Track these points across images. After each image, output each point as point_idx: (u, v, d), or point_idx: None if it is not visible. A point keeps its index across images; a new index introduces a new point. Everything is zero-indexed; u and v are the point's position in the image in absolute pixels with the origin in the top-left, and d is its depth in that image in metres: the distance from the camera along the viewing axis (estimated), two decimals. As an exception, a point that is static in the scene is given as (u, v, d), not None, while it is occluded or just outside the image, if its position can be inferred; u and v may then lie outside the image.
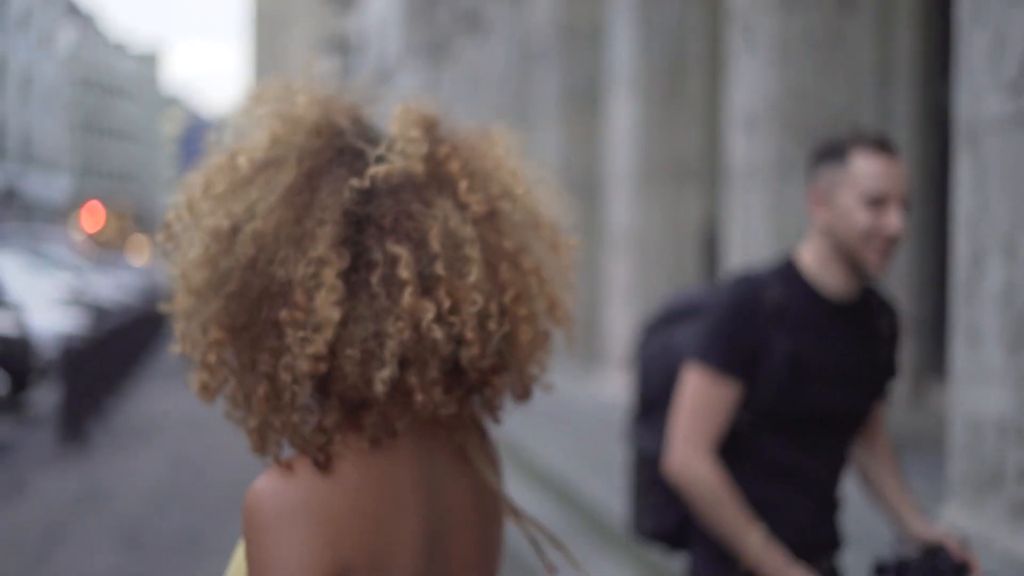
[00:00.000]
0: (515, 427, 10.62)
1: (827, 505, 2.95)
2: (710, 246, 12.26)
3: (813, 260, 2.89)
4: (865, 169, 2.75)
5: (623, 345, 12.46)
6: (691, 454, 2.77)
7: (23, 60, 68.69)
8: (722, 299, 2.86)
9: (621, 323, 12.55)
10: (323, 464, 1.59)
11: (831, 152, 2.81)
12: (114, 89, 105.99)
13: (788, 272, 2.90)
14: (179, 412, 14.22)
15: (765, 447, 2.83)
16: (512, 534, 7.08)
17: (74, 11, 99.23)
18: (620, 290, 12.57)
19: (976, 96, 5.83)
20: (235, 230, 1.59)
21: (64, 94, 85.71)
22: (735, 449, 2.85)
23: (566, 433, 10.41)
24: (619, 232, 12.65)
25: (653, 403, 3.06)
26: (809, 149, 8.49)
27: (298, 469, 1.58)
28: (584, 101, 15.35)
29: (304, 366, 1.55)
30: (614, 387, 12.63)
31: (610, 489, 8.03)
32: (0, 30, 63.81)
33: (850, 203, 2.77)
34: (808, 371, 2.80)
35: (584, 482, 8.28)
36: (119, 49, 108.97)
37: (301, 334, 1.55)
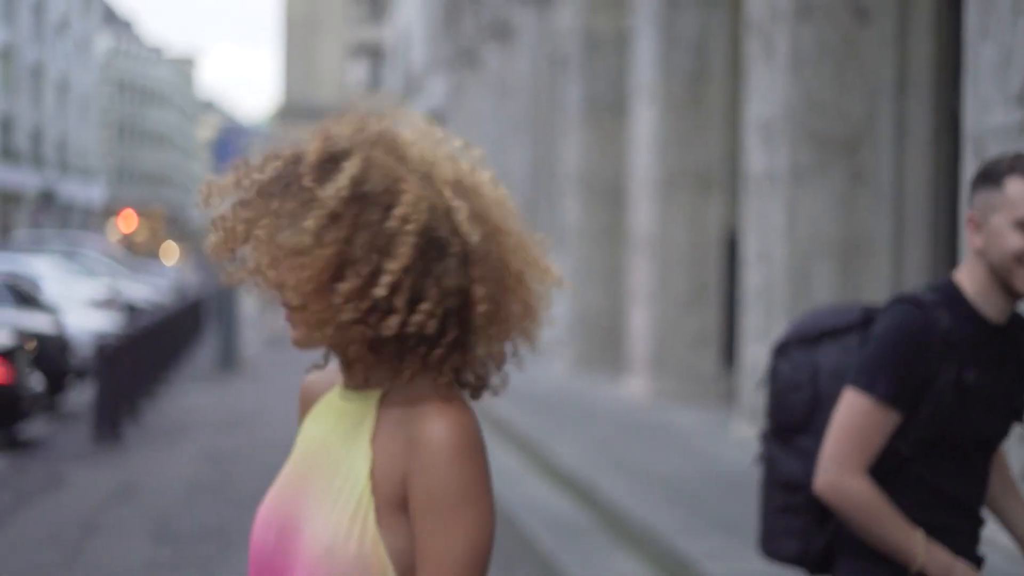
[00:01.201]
0: (536, 427, 10.86)
1: (979, 526, 2.95)
2: (731, 251, 12.45)
3: (972, 284, 2.86)
4: (1020, 193, 2.74)
5: (645, 348, 12.66)
6: (845, 473, 2.77)
7: (60, 66, 69.26)
8: (889, 324, 2.82)
9: (643, 326, 12.74)
10: (475, 399, 1.85)
11: (988, 176, 2.81)
12: (150, 94, 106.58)
13: (953, 296, 2.85)
14: (210, 410, 14.48)
15: (924, 473, 2.83)
16: (529, 524, 7.29)
17: (111, 17, 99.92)
18: (642, 294, 12.76)
19: (983, 106, 6.04)
20: None
21: (100, 99, 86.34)
22: (890, 476, 2.84)
23: (586, 433, 10.61)
24: (641, 237, 12.84)
25: (794, 427, 2.98)
26: (825, 156, 8.70)
27: (461, 403, 1.80)
28: (608, 108, 15.57)
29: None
30: (635, 388, 12.84)
31: (627, 487, 8.25)
32: (38, 37, 64.39)
33: (1003, 226, 2.76)
34: (972, 397, 2.80)
35: (603, 481, 8.48)
36: (155, 54, 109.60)
37: None
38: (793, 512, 3.01)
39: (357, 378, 1.84)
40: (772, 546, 3.11)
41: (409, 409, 1.79)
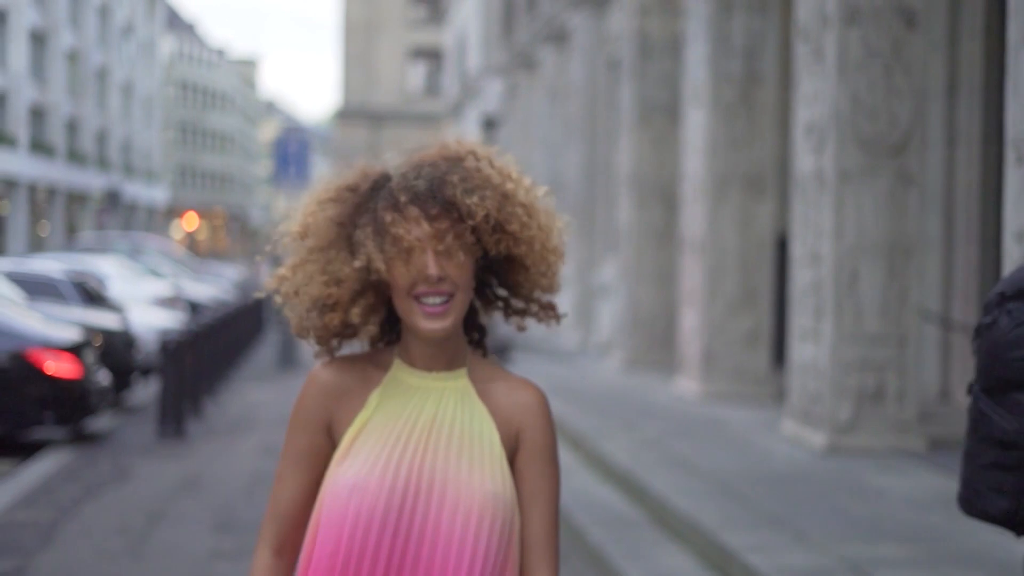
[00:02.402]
0: (588, 424, 11.05)
1: None
2: (782, 252, 12.57)
3: None
4: None
5: (696, 348, 12.79)
6: None
7: (125, 69, 70.15)
8: None
9: (694, 327, 12.87)
10: None
11: None
12: (212, 96, 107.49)
13: None
14: (270, 407, 14.73)
15: None
16: (580, 517, 7.55)
17: (175, 20, 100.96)
18: (693, 295, 12.90)
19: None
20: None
21: (163, 102, 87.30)
22: None
23: (637, 431, 10.77)
24: (692, 238, 12.98)
25: (1012, 383, 2.88)
26: (873, 158, 8.83)
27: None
28: (661, 111, 15.72)
29: None
30: (687, 388, 12.98)
31: (676, 483, 8.41)
32: (103, 41, 65.31)
33: None
34: None
35: (652, 476, 8.64)
36: (217, 56, 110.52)
37: None
38: (1005, 469, 2.88)
39: (442, 361, 2.28)
40: (978, 503, 2.96)
41: (496, 382, 2.31)
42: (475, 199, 2.21)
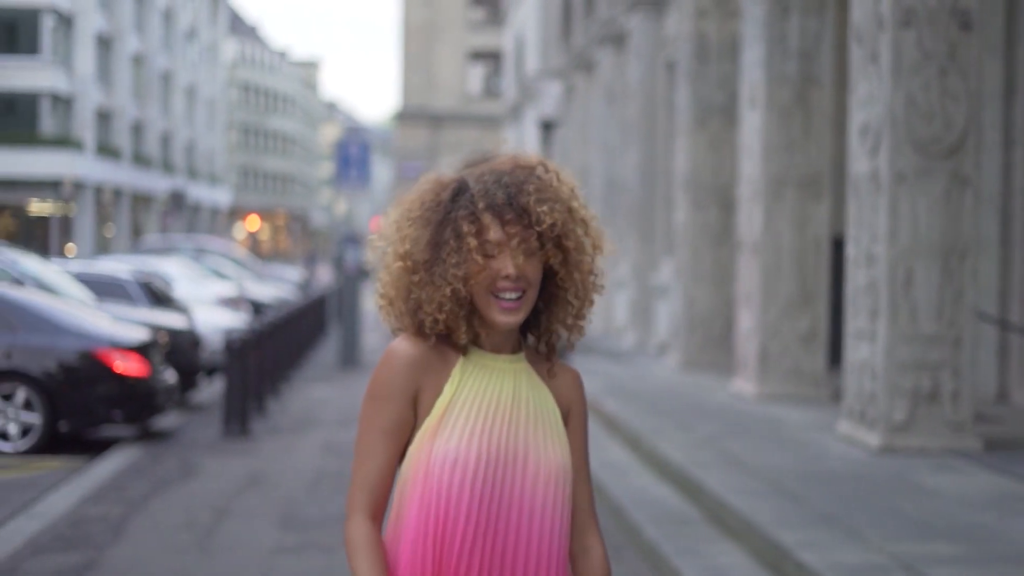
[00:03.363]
0: (644, 424, 11.16)
1: None
2: (838, 253, 12.61)
3: None
4: None
5: (753, 348, 12.86)
6: None
7: (188, 73, 70.92)
8: None
9: (750, 327, 12.93)
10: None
11: None
12: (274, 98, 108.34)
13: None
14: (332, 406, 14.94)
15: None
16: (635, 515, 7.71)
17: (237, 23, 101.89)
18: (751, 295, 12.96)
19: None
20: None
21: (226, 104, 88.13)
22: None
23: (693, 430, 10.87)
24: (748, 240, 13.04)
25: None
26: (928, 160, 8.89)
27: None
28: (718, 112, 15.79)
29: None
30: (743, 388, 13.04)
31: (730, 481, 8.52)
32: (167, 46, 66.12)
33: None
34: None
35: (706, 475, 8.75)
36: (279, 58, 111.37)
37: None
38: None
39: (508, 346, 2.56)
40: None
41: (543, 365, 2.61)
42: (545, 208, 2.48)
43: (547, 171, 2.55)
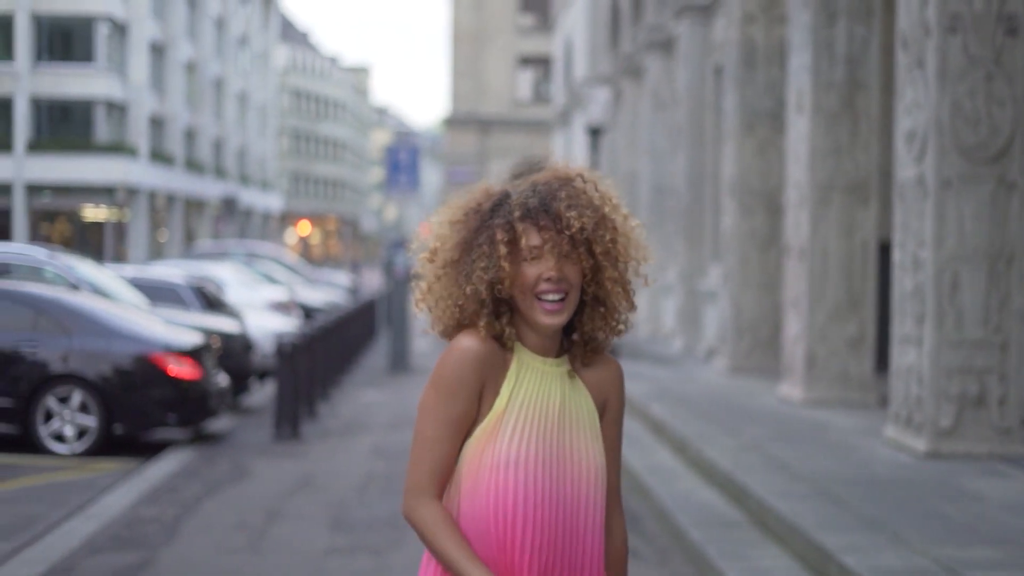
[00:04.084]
0: (691, 429, 11.21)
1: None
2: (886, 258, 12.60)
3: None
4: None
5: (800, 353, 12.87)
6: None
7: (240, 79, 71.50)
8: None
9: (797, 332, 12.94)
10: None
11: None
12: (325, 103, 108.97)
13: None
14: (382, 410, 15.07)
15: None
16: (681, 518, 7.77)
17: (289, 29, 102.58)
18: (798, 300, 12.98)
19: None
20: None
21: (278, 110, 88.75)
22: None
23: (739, 435, 10.91)
24: (795, 245, 13.06)
25: None
26: (974, 165, 8.90)
27: None
28: (767, 118, 15.81)
29: None
30: (790, 393, 13.06)
31: (776, 485, 8.56)
32: (220, 52, 66.73)
33: None
34: None
35: (752, 479, 8.80)
36: (330, 63, 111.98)
37: None
38: None
39: (554, 349, 2.71)
40: None
41: (586, 367, 2.75)
42: (574, 213, 2.63)
43: (584, 181, 2.70)
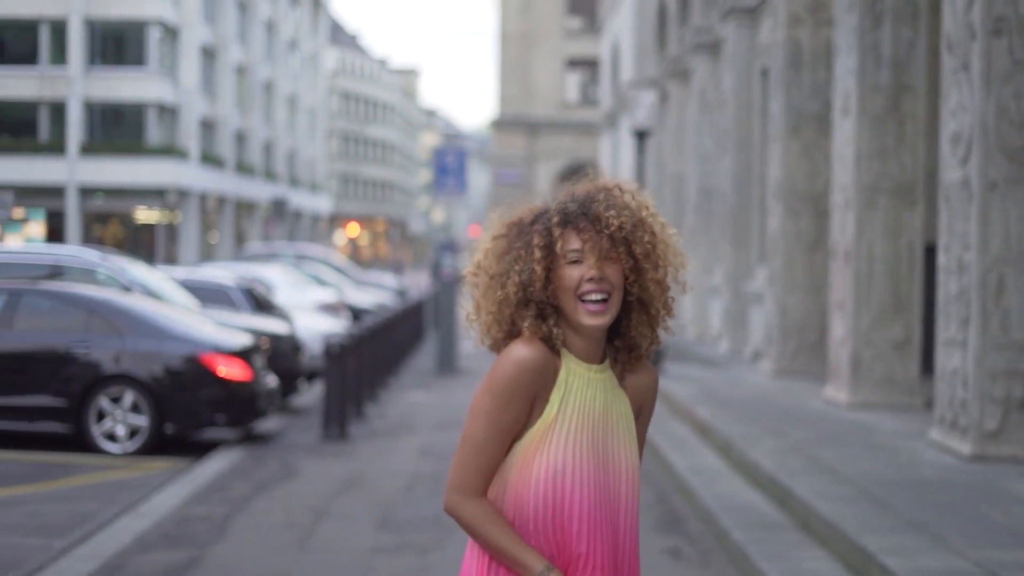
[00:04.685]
0: (736, 431, 11.24)
1: None
2: (932, 261, 12.56)
3: None
4: None
5: (845, 356, 12.86)
6: None
7: (290, 82, 71.96)
8: None
9: (843, 335, 12.93)
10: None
11: None
12: (374, 105, 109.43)
13: None
14: (429, 411, 15.17)
15: None
16: (724, 520, 7.82)
17: (338, 31, 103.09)
18: (843, 303, 12.97)
19: None
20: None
21: (327, 113, 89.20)
22: None
23: (784, 437, 10.92)
24: (841, 247, 13.05)
25: None
26: (1019, 168, 8.89)
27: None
28: (813, 120, 15.79)
29: None
30: (836, 396, 13.05)
31: (819, 488, 8.59)
32: (269, 56, 67.21)
33: None
34: None
35: (796, 481, 8.82)
36: (380, 66, 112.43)
37: None
38: None
39: (598, 355, 2.80)
40: None
41: (624, 373, 2.86)
42: (612, 212, 2.74)
43: (621, 191, 2.81)
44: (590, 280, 2.71)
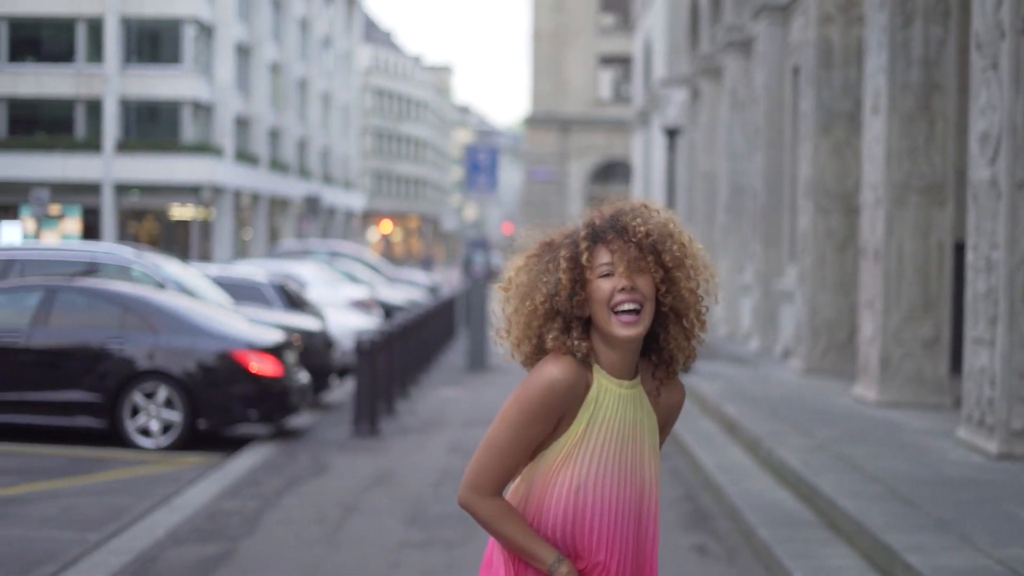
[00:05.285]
0: (764, 428, 11.27)
1: None
2: (961, 260, 12.55)
3: None
4: None
5: (875, 354, 12.86)
6: None
7: (324, 80, 72.21)
8: None
9: (872, 333, 12.93)
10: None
11: None
12: (407, 102, 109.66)
13: None
14: (459, 407, 15.26)
15: None
16: (750, 516, 7.88)
17: (372, 29, 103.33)
18: (873, 302, 12.97)
19: None
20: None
21: (360, 110, 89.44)
22: None
23: (811, 435, 10.95)
24: (870, 245, 13.05)
25: None
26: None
27: None
28: (843, 119, 15.78)
29: None
30: (865, 394, 13.06)
31: (845, 485, 8.62)
32: (303, 54, 67.48)
33: None
34: None
35: (822, 478, 8.86)
36: (414, 63, 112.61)
37: None
38: None
39: (629, 371, 2.88)
40: None
41: (654, 383, 2.96)
42: (639, 221, 2.84)
43: (648, 207, 2.91)
44: (622, 290, 2.79)
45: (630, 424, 2.90)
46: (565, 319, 2.84)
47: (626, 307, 2.79)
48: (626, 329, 2.80)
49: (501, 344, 2.99)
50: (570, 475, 2.84)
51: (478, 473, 2.88)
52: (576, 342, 2.83)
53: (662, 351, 2.93)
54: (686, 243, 2.86)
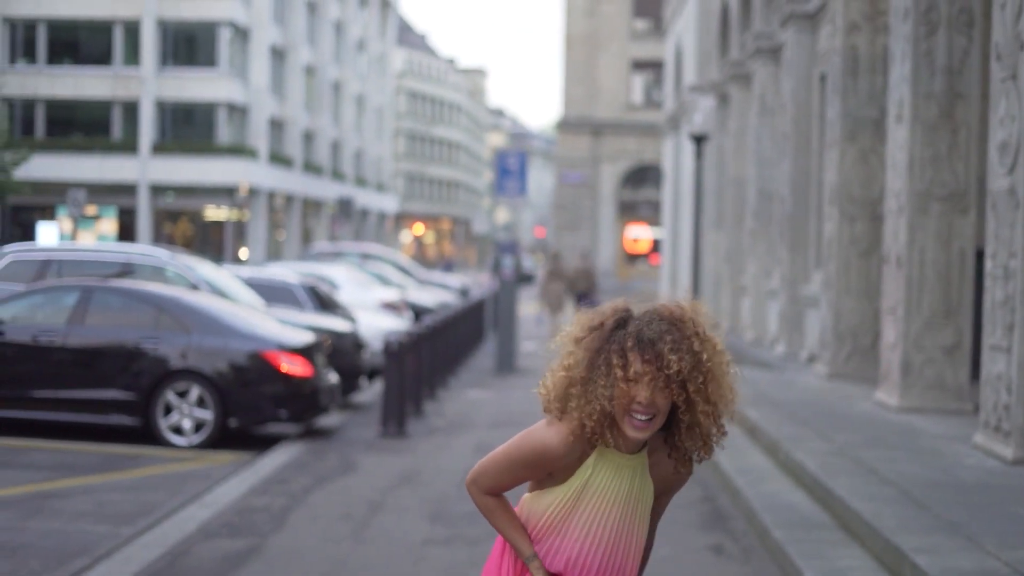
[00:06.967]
0: (784, 432, 11.41)
1: None
2: (983, 267, 12.65)
3: None
4: None
5: (896, 361, 12.97)
6: None
7: (358, 83, 72.55)
8: None
9: (894, 340, 13.03)
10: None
11: None
12: (441, 105, 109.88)
13: None
14: (486, 409, 15.42)
15: None
16: (766, 518, 8.09)
17: (406, 31, 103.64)
18: (895, 308, 13.08)
19: None
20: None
21: (394, 112, 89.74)
22: None
23: (830, 440, 11.08)
24: (894, 253, 13.16)
25: None
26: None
27: None
28: (869, 126, 15.88)
29: None
30: (886, 400, 13.17)
31: (860, 489, 8.77)
32: (338, 57, 67.85)
33: None
34: None
35: (837, 482, 9.00)
36: (448, 65, 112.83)
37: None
38: None
39: (639, 447, 3.19)
40: None
41: (662, 452, 3.24)
42: (675, 357, 3.10)
43: (695, 326, 3.15)
44: (639, 403, 3.08)
45: (626, 493, 3.21)
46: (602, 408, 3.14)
47: (640, 416, 3.08)
48: (636, 432, 3.10)
49: (540, 388, 3.30)
50: (563, 542, 3.22)
51: (483, 474, 3.28)
52: (591, 424, 3.13)
53: (679, 449, 3.23)
54: (716, 373, 3.13)
